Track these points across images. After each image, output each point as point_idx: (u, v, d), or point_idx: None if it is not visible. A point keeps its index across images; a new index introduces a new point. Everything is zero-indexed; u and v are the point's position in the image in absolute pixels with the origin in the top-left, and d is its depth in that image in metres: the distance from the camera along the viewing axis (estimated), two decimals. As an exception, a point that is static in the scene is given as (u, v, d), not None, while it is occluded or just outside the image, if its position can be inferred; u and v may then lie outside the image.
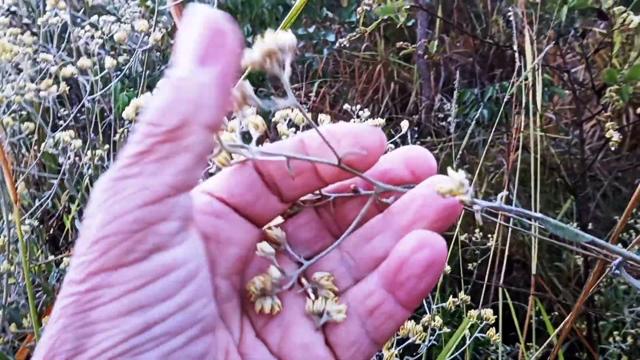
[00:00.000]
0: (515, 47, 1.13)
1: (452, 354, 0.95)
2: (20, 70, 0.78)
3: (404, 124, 0.87)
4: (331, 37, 2.30)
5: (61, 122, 0.95)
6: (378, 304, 0.29)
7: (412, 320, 0.63)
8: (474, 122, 1.53)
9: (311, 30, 2.06)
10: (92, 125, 0.98)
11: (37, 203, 0.85)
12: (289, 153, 0.29)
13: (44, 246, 0.96)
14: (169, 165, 0.24)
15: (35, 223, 0.87)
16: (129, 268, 0.23)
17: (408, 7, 1.24)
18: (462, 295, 0.72)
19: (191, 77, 0.24)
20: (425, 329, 0.64)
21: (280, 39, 0.26)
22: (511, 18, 1.09)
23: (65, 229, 1.20)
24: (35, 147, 0.97)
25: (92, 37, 0.92)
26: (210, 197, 0.29)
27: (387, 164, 0.31)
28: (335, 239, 0.31)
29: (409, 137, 0.88)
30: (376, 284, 0.29)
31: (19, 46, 0.76)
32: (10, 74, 0.78)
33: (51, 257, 0.88)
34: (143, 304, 0.23)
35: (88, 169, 0.94)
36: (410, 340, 0.62)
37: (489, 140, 2.01)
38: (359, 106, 0.84)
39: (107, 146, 0.98)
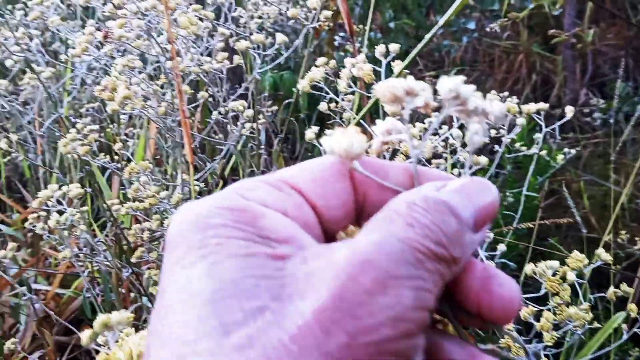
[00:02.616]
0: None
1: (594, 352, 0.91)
2: (198, 40, 0.86)
3: (569, 109, 0.85)
4: (471, 25, 2.25)
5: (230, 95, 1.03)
6: None
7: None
8: (618, 117, 1.44)
9: (451, 17, 2.03)
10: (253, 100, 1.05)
11: (208, 166, 0.93)
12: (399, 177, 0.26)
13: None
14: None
15: (202, 184, 0.95)
16: None
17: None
18: (611, 291, 0.69)
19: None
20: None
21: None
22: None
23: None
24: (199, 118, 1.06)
25: (260, 17, 0.98)
26: (302, 199, 0.26)
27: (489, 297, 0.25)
28: None
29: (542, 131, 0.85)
30: None
31: (202, 21, 0.83)
32: (190, 47, 0.85)
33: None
34: None
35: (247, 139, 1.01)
36: (568, 327, 0.61)
37: None
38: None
39: (262, 120, 1.05)
